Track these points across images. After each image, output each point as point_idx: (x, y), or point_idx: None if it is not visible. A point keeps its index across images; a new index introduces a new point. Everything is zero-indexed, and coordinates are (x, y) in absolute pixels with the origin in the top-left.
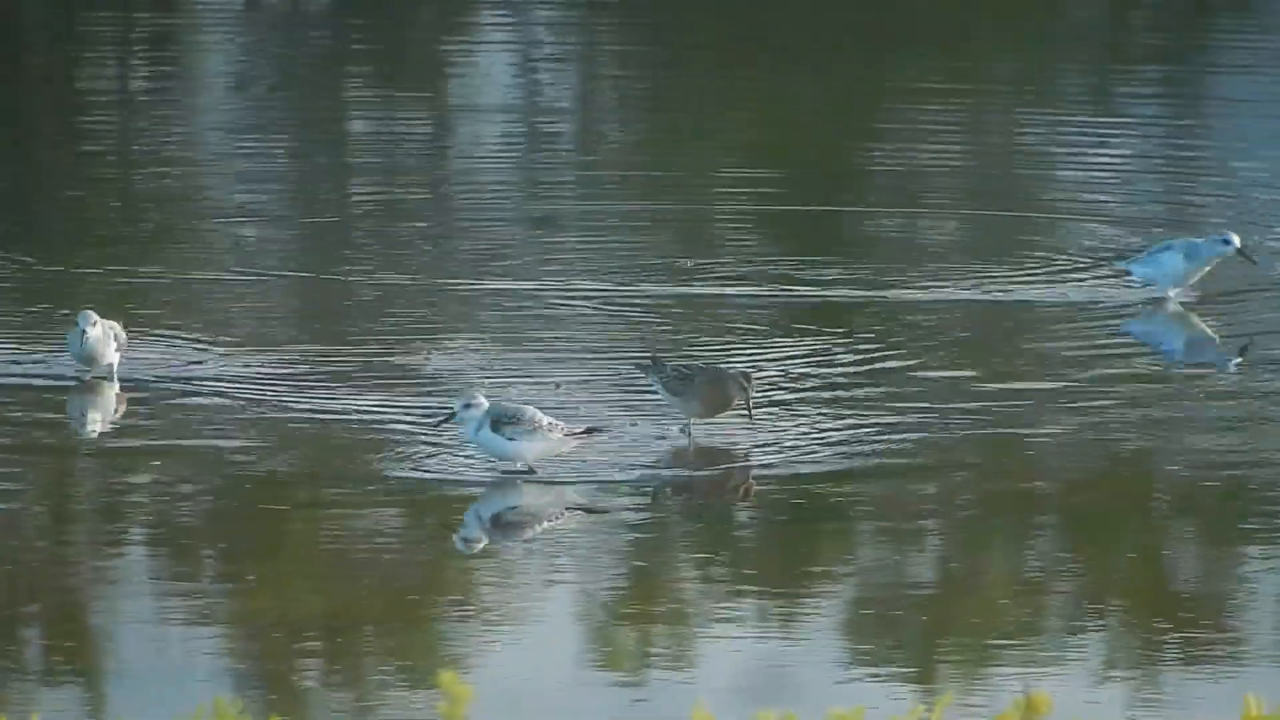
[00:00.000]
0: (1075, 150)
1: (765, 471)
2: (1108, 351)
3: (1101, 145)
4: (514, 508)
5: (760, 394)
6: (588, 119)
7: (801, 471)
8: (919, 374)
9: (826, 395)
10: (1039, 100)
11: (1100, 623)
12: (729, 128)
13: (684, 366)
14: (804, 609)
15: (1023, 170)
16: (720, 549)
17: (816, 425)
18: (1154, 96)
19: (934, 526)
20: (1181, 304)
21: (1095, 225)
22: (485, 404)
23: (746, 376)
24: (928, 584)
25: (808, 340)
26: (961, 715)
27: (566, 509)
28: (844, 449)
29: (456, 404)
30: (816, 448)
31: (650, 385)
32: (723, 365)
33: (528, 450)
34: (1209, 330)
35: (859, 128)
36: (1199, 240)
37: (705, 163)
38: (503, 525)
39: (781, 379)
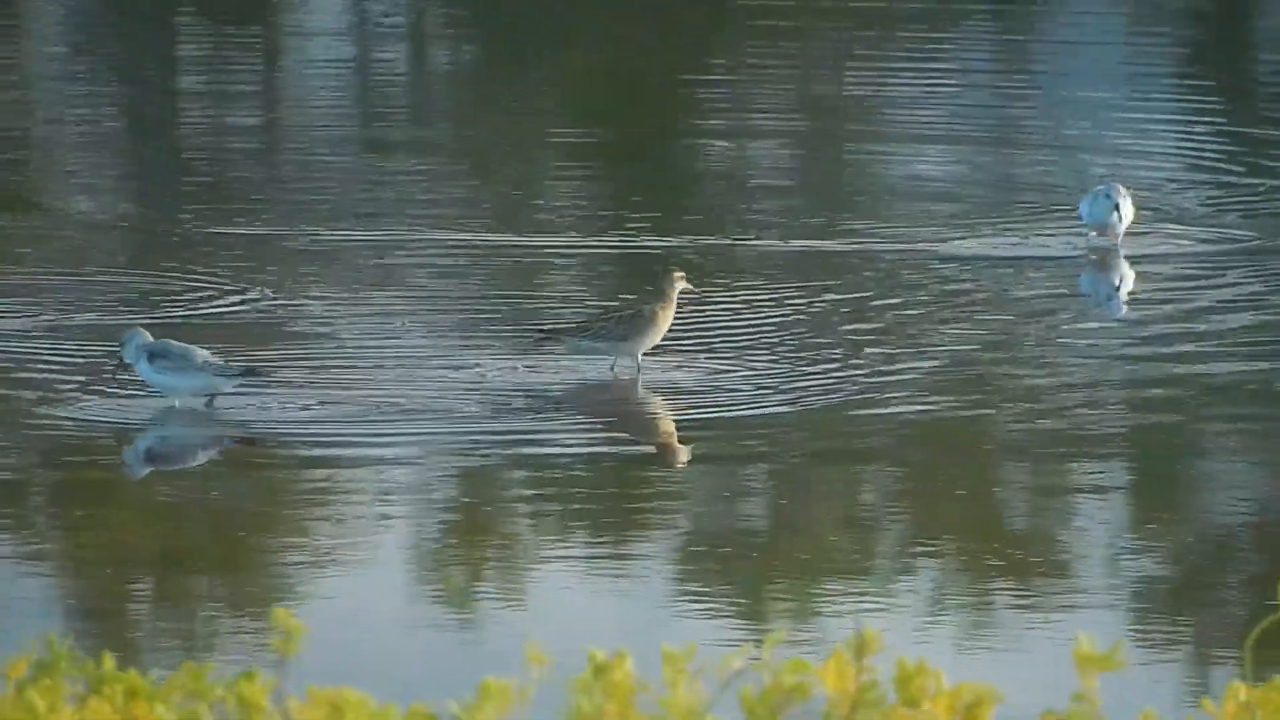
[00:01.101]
0: (908, 98)
1: (603, 417)
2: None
3: (930, 96)
4: (349, 448)
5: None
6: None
7: (645, 418)
8: (776, 321)
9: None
10: (873, 44)
11: (932, 563)
12: (561, 77)
13: (614, 312)
14: (636, 550)
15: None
16: (554, 491)
17: (667, 375)
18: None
19: (772, 472)
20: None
21: (922, 165)
22: (145, 339)
23: (670, 266)
24: (762, 526)
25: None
26: (793, 653)
27: (400, 450)
28: (681, 400)
29: (122, 343)
30: (669, 396)
31: (575, 350)
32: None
33: (179, 384)
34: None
35: (692, 64)
36: (1097, 192)
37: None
38: (337, 465)
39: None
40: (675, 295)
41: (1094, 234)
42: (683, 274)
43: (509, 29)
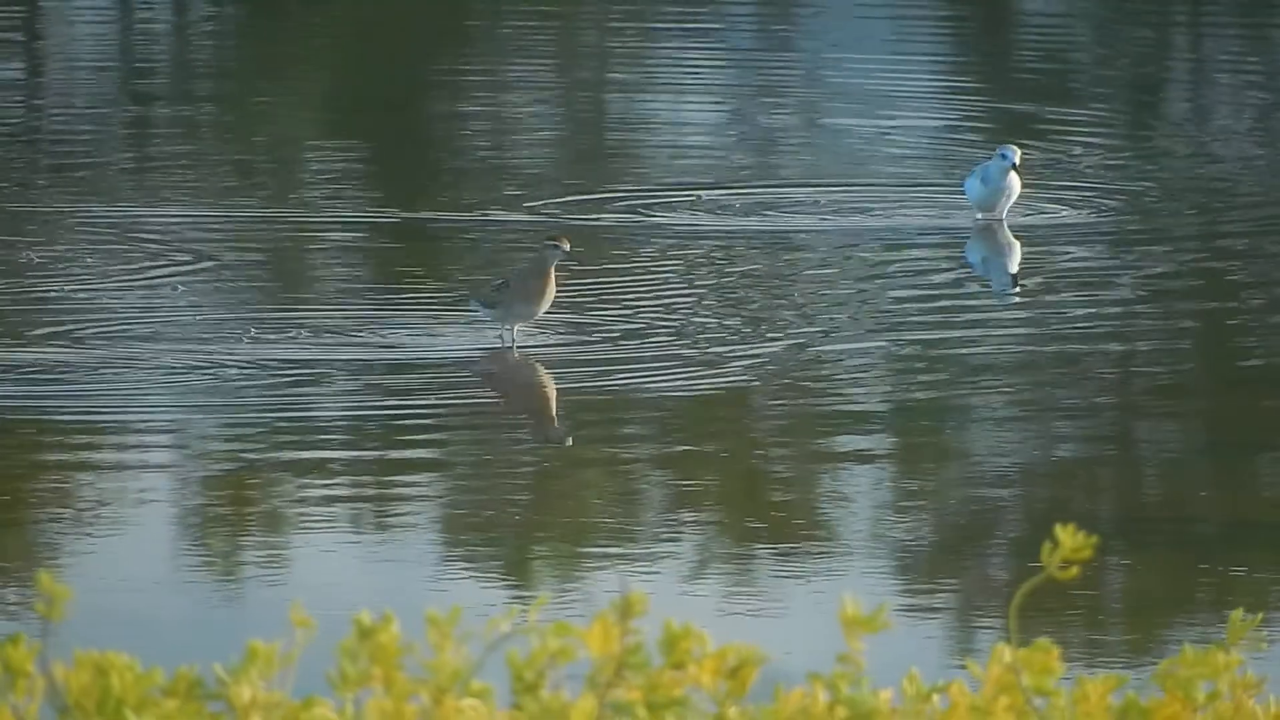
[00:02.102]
0: (669, 76)
1: (372, 387)
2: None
3: (696, 74)
4: (111, 414)
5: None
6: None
7: (415, 386)
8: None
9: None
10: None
11: (697, 527)
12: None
13: (495, 281)
14: (401, 512)
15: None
16: (320, 457)
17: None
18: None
19: (537, 443)
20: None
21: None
22: None
23: (554, 239)
24: (529, 494)
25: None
26: (559, 616)
27: (165, 417)
28: (461, 370)
29: None
30: (450, 365)
31: (475, 313)
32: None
33: None
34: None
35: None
36: (989, 162)
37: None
38: (99, 432)
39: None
40: (551, 264)
41: (979, 214)
42: (559, 242)
43: None
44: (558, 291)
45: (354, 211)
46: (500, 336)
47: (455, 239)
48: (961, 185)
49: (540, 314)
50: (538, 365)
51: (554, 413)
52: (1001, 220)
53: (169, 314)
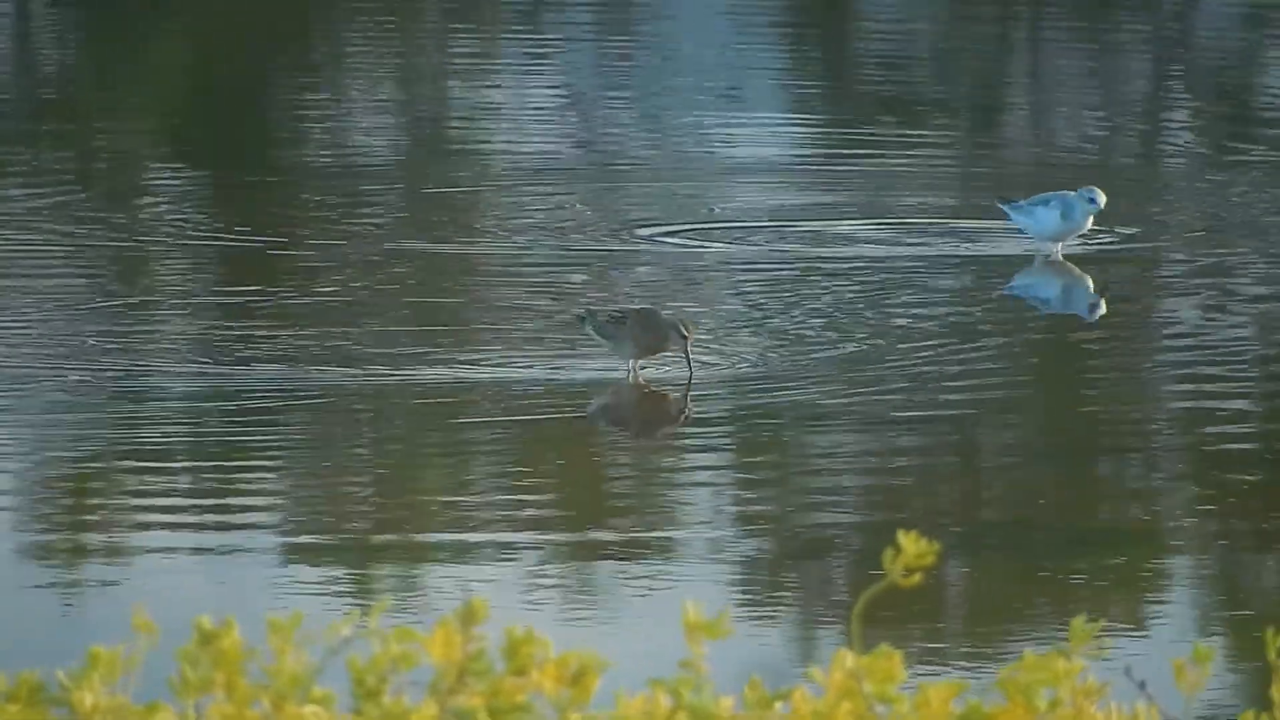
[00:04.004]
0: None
1: (213, 390)
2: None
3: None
4: None
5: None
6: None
7: (269, 385)
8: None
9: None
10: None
11: (540, 534)
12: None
13: (617, 310)
14: (242, 519)
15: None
16: (159, 461)
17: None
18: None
19: (378, 441)
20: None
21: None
22: None
23: (686, 325)
24: (371, 496)
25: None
26: (400, 622)
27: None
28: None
29: None
30: (315, 366)
31: (588, 334)
32: (658, 309)
33: None
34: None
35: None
36: (1072, 195)
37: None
38: None
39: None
40: (668, 338)
41: (1045, 242)
42: (692, 336)
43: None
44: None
45: (189, 226)
46: (627, 370)
47: (293, 252)
48: (1013, 207)
49: (644, 359)
50: (386, 369)
51: (394, 418)
52: (1058, 253)
53: (10, 325)
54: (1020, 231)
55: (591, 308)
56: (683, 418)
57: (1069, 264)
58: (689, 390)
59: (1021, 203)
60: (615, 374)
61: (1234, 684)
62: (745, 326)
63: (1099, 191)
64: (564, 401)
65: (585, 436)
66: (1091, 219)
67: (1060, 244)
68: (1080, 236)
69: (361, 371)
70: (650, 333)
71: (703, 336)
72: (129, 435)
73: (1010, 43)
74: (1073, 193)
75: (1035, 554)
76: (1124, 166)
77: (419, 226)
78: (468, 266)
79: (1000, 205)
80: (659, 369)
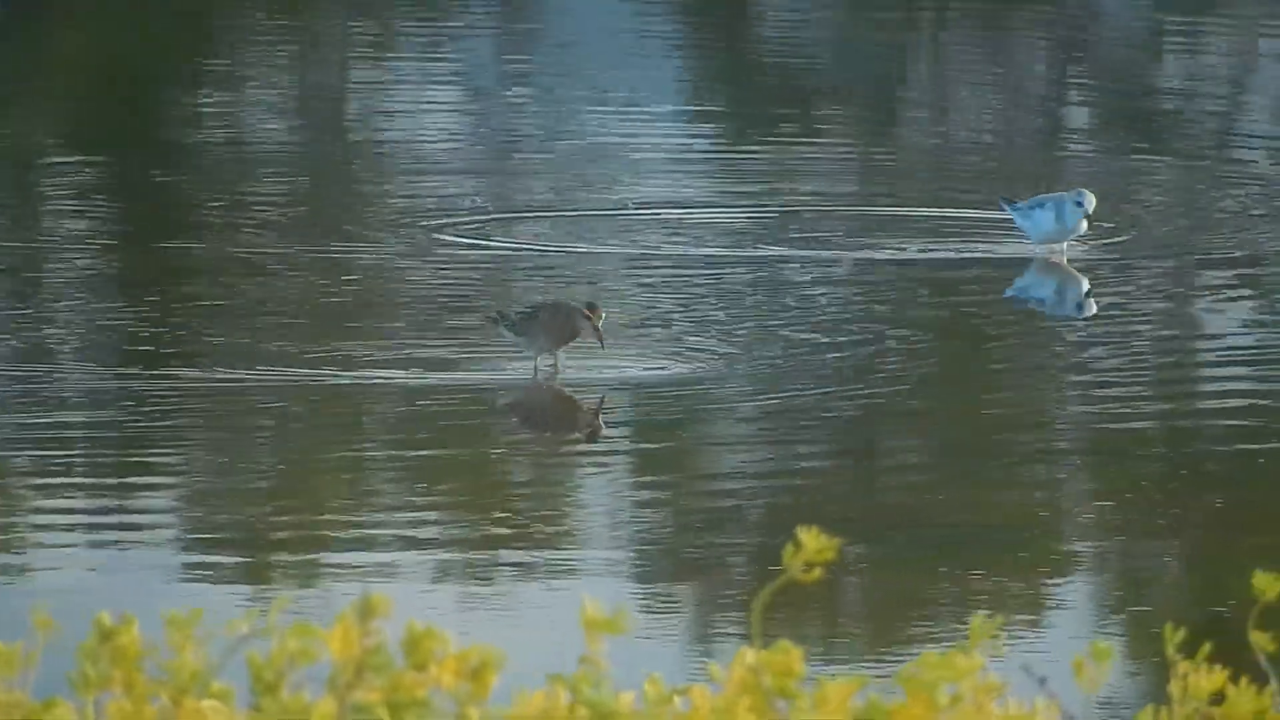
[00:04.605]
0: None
1: (118, 379)
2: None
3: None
4: None
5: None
6: None
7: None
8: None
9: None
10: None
11: (440, 528)
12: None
13: (527, 306)
14: (141, 516)
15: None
16: (59, 459)
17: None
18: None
19: (277, 437)
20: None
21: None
22: None
23: (591, 306)
24: (269, 491)
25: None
26: (300, 618)
27: None
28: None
29: None
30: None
31: (501, 334)
32: (564, 299)
33: None
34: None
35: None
36: (1067, 198)
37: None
38: None
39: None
40: (578, 325)
41: (1042, 244)
42: (597, 317)
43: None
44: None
45: (86, 231)
46: (533, 368)
47: (190, 247)
48: (1014, 209)
49: (558, 350)
50: (286, 367)
51: (294, 415)
52: (1063, 253)
53: None
54: (1018, 231)
55: (500, 309)
56: (585, 416)
57: (1054, 264)
58: (598, 390)
59: (1021, 205)
60: (514, 373)
61: (1133, 680)
62: (650, 324)
63: (1087, 194)
64: (462, 399)
65: (485, 434)
66: (1084, 222)
67: (1062, 245)
68: (1076, 240)
69: (262, 369)
70: (561, 322)
71: (605, 338)
72: (27, 432)
73: (912, 34)
74: (1066, 195)
75: (935, 551)
76: (1024, 155)
77: (316, 222)
78: (365, 263)
79: (1003, 204)
80: (568, 369)
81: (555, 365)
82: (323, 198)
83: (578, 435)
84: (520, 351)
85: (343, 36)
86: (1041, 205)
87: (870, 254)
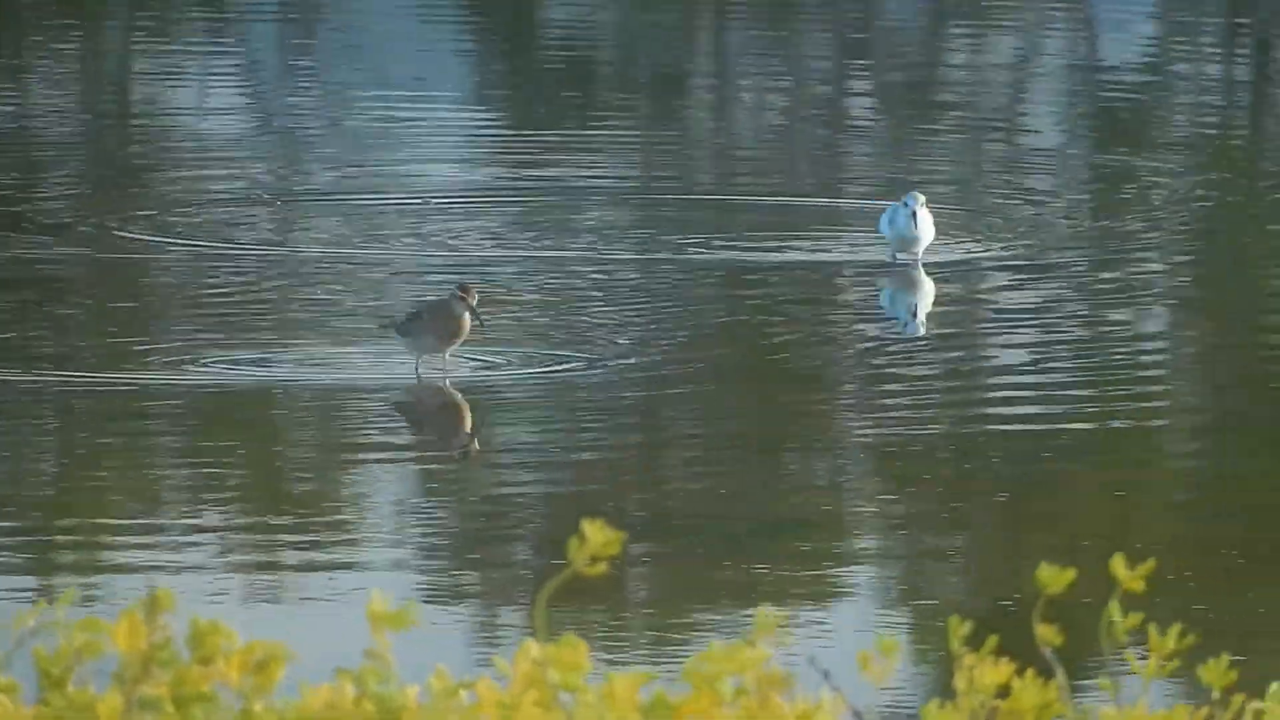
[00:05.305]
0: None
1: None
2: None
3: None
4: None
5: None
6: None
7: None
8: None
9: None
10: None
11: (224, 522)
12: None
13: (411, 310)
14: None
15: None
16: None
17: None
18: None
19: (67, 438)
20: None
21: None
22: None
23: (463, 288)
24: (54, 483)
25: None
26: (89, 612)
27: None
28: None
29: None
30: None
31: (394, 339)
32: (444, 297)
33: None
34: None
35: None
36: (898, 204)
37: None
38: None
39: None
40: (459, 313)
41: (897, 252)
42: (471, 297)
43: None
44: None
45: None
46: (415, 367)
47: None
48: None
49: (449, 350)
50: (69, 368)
51: (80, 412)
52: (918, 260)
53: None
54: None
55: (386, 315)
56: (371, 414)
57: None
58: (387, 389)
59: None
60: (304, 372)
61: (919, 674)
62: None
63: (915, 195)
64: (251, 398)
65: (273, 431)
66: (923, 223)
67: (916, 249)
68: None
69: (44, 368)
70: (445, 318)
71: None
72: None
73: (694, 22)
74: (898, 202)
75: (721, 546)
76: (807, 142)
77: (97, 215)
78: (147, 257)
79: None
80: (345, 370)
81: (442, 367)
82: (103, 190)
83: (365, 432)
84: (407, 353)
85: (125, 23)
86: (884, 213)
87: (657, 239)
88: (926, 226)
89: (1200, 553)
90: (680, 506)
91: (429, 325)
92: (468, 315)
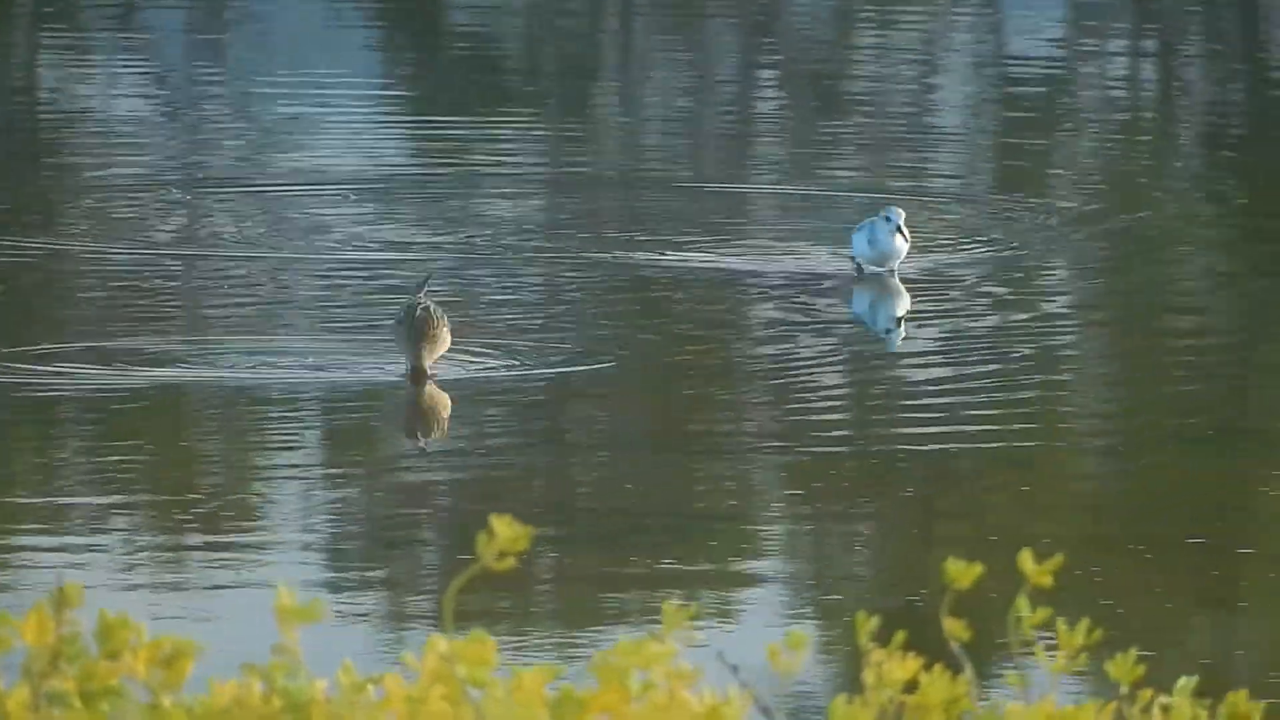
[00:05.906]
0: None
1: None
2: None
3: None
4: None
5: None
6: None
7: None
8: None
9: None
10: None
11: (132, 517)
12: None
13: (395, 320)
14: None
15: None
16: None
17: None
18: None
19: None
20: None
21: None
22: None
23: (418, 284)
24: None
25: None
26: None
27: None
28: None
29: None
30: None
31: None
32: (412, 303)
33: None
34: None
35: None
36: (878, 219)
37: None
38: None
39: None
40: (422, 314)
41: (871, 266)
42: (420, 288)
43: None
44: None
45: None
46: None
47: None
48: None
49: (422, 350)
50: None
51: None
52: (893, 272)
53: None
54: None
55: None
56: (281, 409)
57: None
58: (299, 385)
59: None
60: (217, 370)
61: (827, 668)
62: (346, 313)
63: (896, 210)
64: (160, 393)
65: (182, 427)
66: (901, 235)
67: (892, 264)
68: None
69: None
70: (418, 324)
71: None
72: None
73: (600, 22)
74: (878, 216)
75: (629, 541)
76: (712, 141)
77: (5, 207)
78: (58, 249)
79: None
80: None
81: (430, 368)
82: (11, 181)
83: (275, 428)
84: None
85: (32, 10)
86: (859, 229)
87: (573, 236)
88: (902, 238)
89: (1108, 549)
90: (590, 501)
91: (406, 332)
92: (429, 319)
